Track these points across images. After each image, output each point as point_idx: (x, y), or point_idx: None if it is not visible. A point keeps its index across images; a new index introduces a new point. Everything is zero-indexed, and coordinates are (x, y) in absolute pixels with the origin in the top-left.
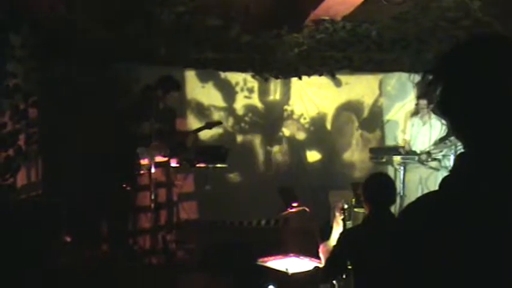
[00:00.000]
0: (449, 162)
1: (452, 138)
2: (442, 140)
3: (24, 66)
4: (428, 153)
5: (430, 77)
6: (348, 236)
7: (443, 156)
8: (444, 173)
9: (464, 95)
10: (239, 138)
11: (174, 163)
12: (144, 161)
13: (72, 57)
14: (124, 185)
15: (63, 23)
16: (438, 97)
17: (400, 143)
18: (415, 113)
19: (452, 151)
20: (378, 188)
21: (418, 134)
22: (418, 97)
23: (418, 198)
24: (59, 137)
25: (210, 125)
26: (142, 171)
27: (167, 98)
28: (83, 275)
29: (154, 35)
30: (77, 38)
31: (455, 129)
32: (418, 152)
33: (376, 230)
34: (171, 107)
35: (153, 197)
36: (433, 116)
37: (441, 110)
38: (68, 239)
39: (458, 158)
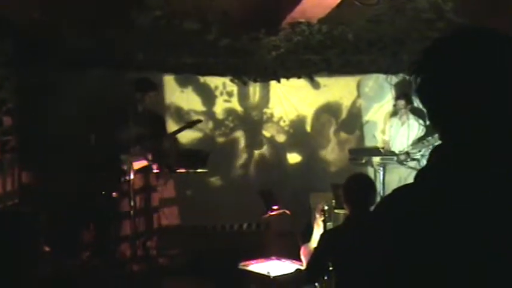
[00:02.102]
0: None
1: (430, 138)
2: (420, 140)
3: None
4: (407, 153)
5: (413, 68)
6: (328, 237)
7: (422, 156)
8: None
9: (444, 86)
10: (219, 142)
11: (154, 168)
12: (137, 166)
13: (48, 63)
14: (107, 192)
15: (39, 29)
16: (420, 86)
17: (380, 143)
18: (394, 113)
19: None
20: (358, 188)
21: (397, 134)
22: (396, 98)
23: (393, 192)
24: (37, 144)
25: (189, 124)
26: (126, 177)
27: (147, 101)
28: (63, 284)
29: (131, 39)
30: (53, 44)
31: (433, 119)
32: (397, 152)
33: (356, 231)
34: (155, 112)
35: (132, 204)
36: (411, 116)
37: (420, 99)
38: (47, 249)
39: (434, 151)
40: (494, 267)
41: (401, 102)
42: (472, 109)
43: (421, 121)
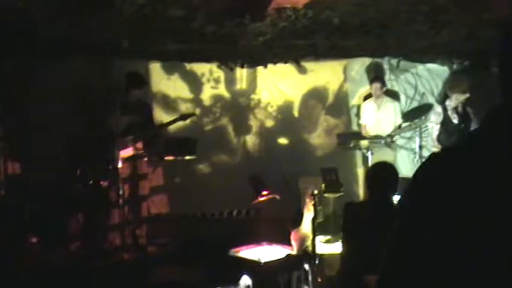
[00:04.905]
0: (415, 144)
1: (417, 120)
2: (406, 122)
3: None
4: (390, 136)
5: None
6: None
7: (409, 138)
8: (410, 155)
9: None
10: (207, 128)
11: (143, 156)
12: (125, 154)
13: (30, 51)
14: (95, 181)
15: (20, 18)
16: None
17: (357, 128)
18: (368, 96)
19: (417, 133)
20: (381, 176)
21: (375, 117)
22: (371, 81)
23: (439, 153)
24: (23, 135)
25: (184, 117)
26: (119, 166)
27: (135, 95)
28: (51, 275)
29: (116, 27)
30: (35, 32)
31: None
32: (383, 135)
33: (374, 215)
34: (142, 100)
35: (121, 192)
36: (387, 98)
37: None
38: (34, 240)
39: (493, 111)
40: None
41: (377, 85)
42: None
43: (396, 103)
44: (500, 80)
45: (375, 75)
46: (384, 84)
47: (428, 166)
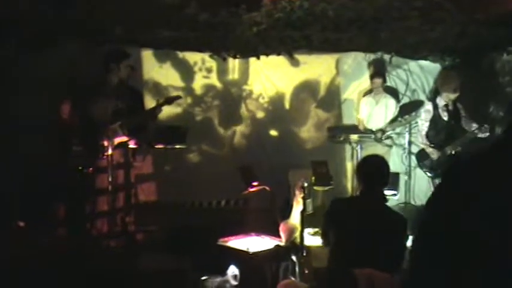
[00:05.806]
0: (404, 140)
1: (406, 116)
2: (396, 119)
3: None
4: (382, 131)
5: None
6: (339, 205)
7: (398, 134)
8: (399, 151)
9: None
10: (198, 117)
11: (132, 144)
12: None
13: (18, 38)
14: (84, 168)
15: (9, 3)
16: None
17: (356, 122)
18: (368, 92)
19: (407, 129)
20: (372, 168)
21: (372, 112)
22: (372, 76)
23: (467, 158)
24: (10, 119)
25: (169, 100)
26: (104, 153)
27: (123, 72)
28: (38, 261)
29: (109, 13)
30: (26, 18)
31: None
32: (374, 130)
33: (366, 208)
34: (133, 87)
35: (110, 179)
36: (386, 94)
37: None
38: (21, 225)
39: None
40: None
41: (378, 81)
42: None
43: (393, 100)
44: None
45: (377, 70)
46: (384, 80)
47: (458, 169)
